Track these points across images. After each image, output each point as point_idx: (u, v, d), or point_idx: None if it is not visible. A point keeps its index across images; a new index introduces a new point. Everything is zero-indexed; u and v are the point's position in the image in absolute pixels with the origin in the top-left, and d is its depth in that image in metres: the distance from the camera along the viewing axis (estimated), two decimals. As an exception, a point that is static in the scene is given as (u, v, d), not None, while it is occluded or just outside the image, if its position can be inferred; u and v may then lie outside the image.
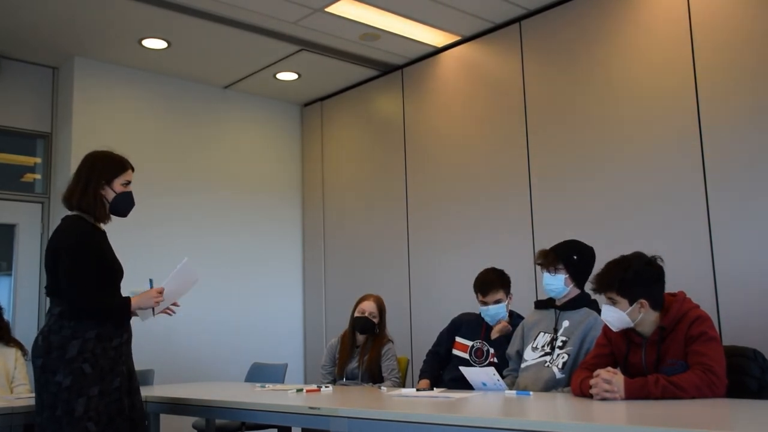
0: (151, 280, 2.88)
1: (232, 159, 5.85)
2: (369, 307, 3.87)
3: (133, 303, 2.74)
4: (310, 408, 2.50)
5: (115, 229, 2.90)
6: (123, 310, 2.72)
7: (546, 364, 2.89)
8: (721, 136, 3.67)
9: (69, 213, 2.77)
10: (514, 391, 2.73)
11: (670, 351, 2.37)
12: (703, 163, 3.72)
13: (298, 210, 6.18)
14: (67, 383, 2.56)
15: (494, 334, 3.38)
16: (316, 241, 6.02)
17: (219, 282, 5.54)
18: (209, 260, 5.54)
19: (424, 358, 3.71)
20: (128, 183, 2.81)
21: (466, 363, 3.41)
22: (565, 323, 2.95)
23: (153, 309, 2.83)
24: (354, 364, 3.82)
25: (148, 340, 4.38)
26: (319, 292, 5.95)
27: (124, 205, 2.79)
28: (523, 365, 3.01)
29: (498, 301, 3.42)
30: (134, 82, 5.36)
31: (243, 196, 5.84)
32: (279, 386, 3.57)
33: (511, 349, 3.16)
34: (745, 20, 3.61)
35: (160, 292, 2.81)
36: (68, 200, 2.75)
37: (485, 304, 3.45)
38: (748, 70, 3.59)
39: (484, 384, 2.89)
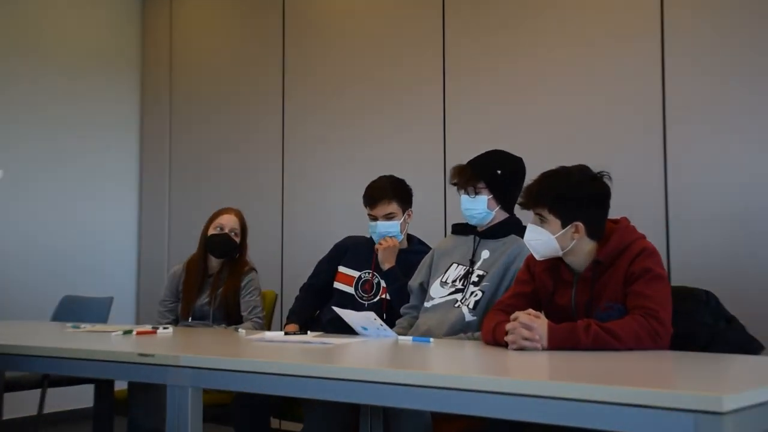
0: None
1: (43, 21, 5.50)
2: (229, 222, 3.80)
3: None
4: (141, 355, 2.41)
5: None
6: None
7: (455, 304, 2.93)
8: (684, 38, 3.77)
9: None
10: (409, 337, 2.75)
11: (607, 291, 2.42)
12: (663, 70, 3.82)
13: (135, 94, 5.96)
14: None
15: (380, 254, 3.39)
16: (159, 138, 5.85)
17: (24, 191, 5.28)
18: (9, 160, 5.28)
19: (297, 293, 3.69)
20: None
21: (350, 300, 3.43)
22: (485, 254, 2.99)
23: None
24: (204, 299, 3.76)
25: None
26: (161, 206, 5.82)
27: None
28: (427, 303, 3.03)
29: (390, 216, 3.42)
30: None
31: (59, 73, 5.58)
32: (99, 327, 3.50)
33: (414, 281, 3.18)
34: None
35: None
36: None
37: (374, 219, 3.45)
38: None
39: (365, 329, 2.90)
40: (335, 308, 3.01)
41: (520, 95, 4.26)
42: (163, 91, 5.87)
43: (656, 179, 3.80)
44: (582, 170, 2.50)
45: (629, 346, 2.22)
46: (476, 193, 2.98)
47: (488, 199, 2.98)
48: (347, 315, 2.94)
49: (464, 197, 3.01)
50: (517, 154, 3.09)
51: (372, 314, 2.83)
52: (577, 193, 2.45)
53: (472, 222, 3.04)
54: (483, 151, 3.09)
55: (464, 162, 3.07)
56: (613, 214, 2.55)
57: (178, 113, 5.79)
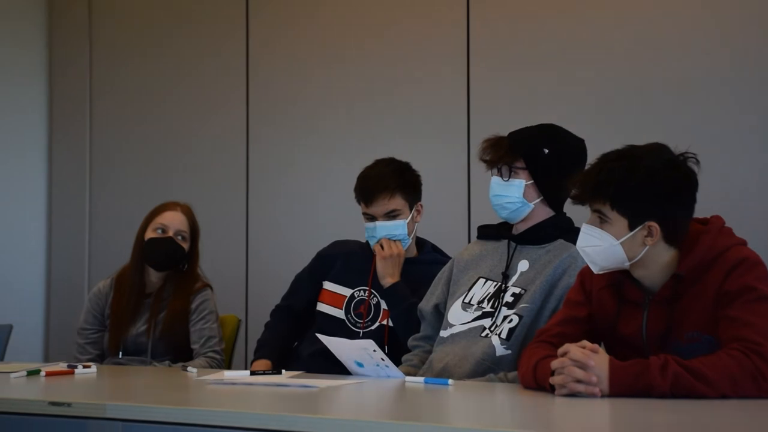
0: None
1: None
2: (175, 221, 3.80)
3: None
4: (53, 404, 2.42)
5: None
6: None
7: (483, 333, 2.94)
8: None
9: None
10: (421, 378, 2.77)
11: (691, 316, 2.43)
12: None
13: (40, 38, 5.90)
14: None
15: (380, 265, 3.41)
16: (76, 110, 5.81)
17: None
18: None
19: (268, 320, 3.72)
20: None
21: (339, 326, 3.44)
22: (523, 265, 3.00)
23: None
24: (140, 326, 3.77)
25: None
26: (79, 199, 5.79)
27: None
28: (444, 332, 3.05)
29: (393, 214, 3.45)
30: None
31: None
32: (-5, 365, 3.49)
33: (427, 303, 3.19)
34: None
35: None
36: None
37: (371, 218, 3.47)
38: None
39: (360, 365, 2.91)
40: (320, 336, 3.02)
41: (584, 53, 4.30)
42: (79, 42, 5.81)
43: (763, 166, 3.81)
44: (658, 151, 2.49)
45: (722, 392, 2.22)
46: (510, 175, 3.00)
47: (526, 186, 3.00)
48: (336, 344, 2.95)
49: (495, 180, 3.03)
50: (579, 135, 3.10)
51: (370, 343, 2.84)
52: (650, 183, 2.43)
53: (501, 214, 3.06)
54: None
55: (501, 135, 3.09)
56: (702, 211, 2.55)
57: (100, 72, 5.74)
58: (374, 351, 2.82)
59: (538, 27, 4.39)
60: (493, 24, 4.49)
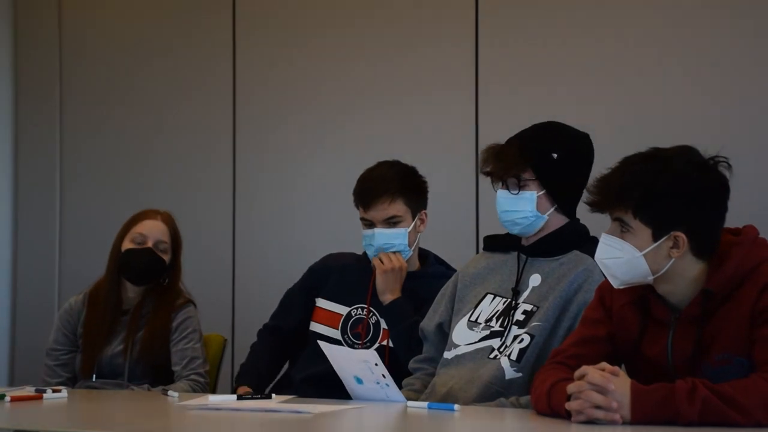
0: None
1: None
2: (155, 231, 3.79)
3: None
4: (19, 432, 2.42)
5: None
6: None
7: (491, 354, 2.93)
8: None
9: None
10: (424, 403, 2.76)
11: (722, 336, 2.41)
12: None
13: (6, 42, 5.89)
14: None
15: (379, 280, 3.40)
16: (45, 110, 5.80)
17: None
18: None
19: (255, 340, 3.72)
20: None
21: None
22: (534, 279, 2.99)
23: None
24: (116, 346, 3.76)
25: None
26: (49, 212, 5.77)
27: None
28: (448, 354, 3.04)
29: (394, 221, 3.44)
30: None
31: None
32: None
33: (430, 321, 3.18)
34: None
35: None
36: None
37: (370, 225, 3.46)
38: None
39: (359, 381, 2.90)
40: (320, 342, 3.03)
41: (599, 56, 4.32)
42: (50, 25, 5.80)
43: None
44: (685, 154, 2.48)
45: (756, 420, 2.20)
46: (520, 188, 2.98)
47: (538, 197, 2.98)
48: (335, 353, 2.96)
49: (502, 194, 3.02)
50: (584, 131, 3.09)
51: (373, 355, 2.83)
52: (677, 188, 2.42)
53: (513, 230, 3.05)
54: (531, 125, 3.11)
55: (503, 140, 3.07)
56: (734, 221, 2.53)
57: (71, 62, 5.73)
58: (376, 365, 2.81)
59: (549, 31, 4.41)
60: (503, 27, 4.52)
